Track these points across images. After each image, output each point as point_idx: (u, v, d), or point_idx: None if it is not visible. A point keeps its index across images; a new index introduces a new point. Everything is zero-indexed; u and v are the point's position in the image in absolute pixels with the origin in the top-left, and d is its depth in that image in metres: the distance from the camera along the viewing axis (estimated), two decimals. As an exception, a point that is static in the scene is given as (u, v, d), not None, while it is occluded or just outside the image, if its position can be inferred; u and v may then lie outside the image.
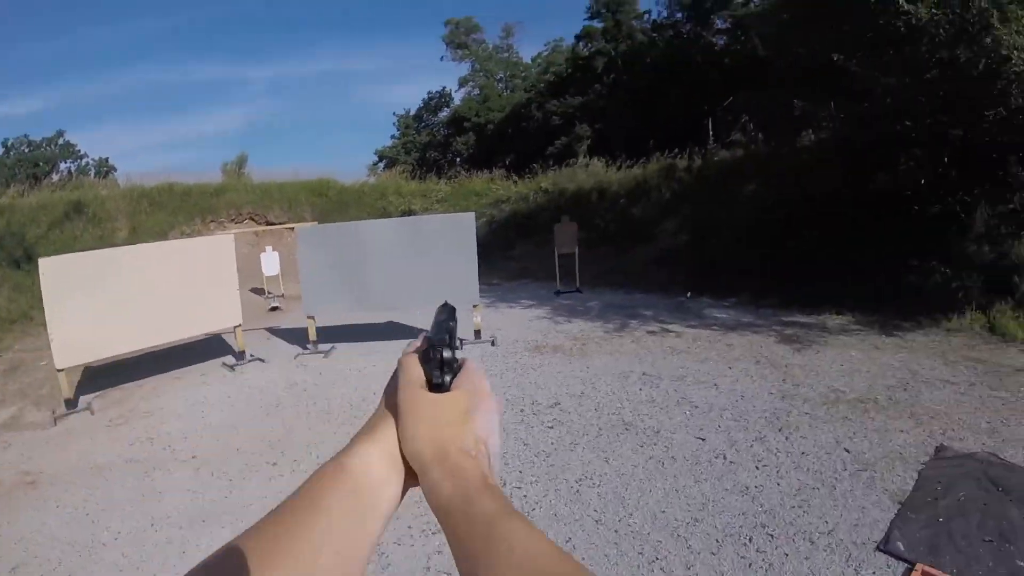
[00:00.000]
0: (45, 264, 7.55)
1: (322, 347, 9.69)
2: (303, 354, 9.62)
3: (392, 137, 40.08)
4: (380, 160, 38.32)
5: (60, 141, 41.94)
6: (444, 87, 39.13)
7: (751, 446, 5.82)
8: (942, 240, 9.54)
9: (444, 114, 36.95)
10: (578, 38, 29.26)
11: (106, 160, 41.54)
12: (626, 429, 6.38)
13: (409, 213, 21.08)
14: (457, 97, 36.43)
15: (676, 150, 17.44)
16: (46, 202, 17.40)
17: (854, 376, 7.16)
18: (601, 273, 14.88)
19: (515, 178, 21.69)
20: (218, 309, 8.84)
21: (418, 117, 38.68)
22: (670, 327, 10.09)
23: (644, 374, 7.95)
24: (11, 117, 70.19)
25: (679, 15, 24.89)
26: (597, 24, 27.62)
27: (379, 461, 0.60)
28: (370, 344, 9.91)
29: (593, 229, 17.01)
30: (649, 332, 9.90)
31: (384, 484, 0.59)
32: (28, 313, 11.64)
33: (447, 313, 0.72)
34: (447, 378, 0.65)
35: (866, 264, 10.26)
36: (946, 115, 9.46)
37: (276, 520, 0.54)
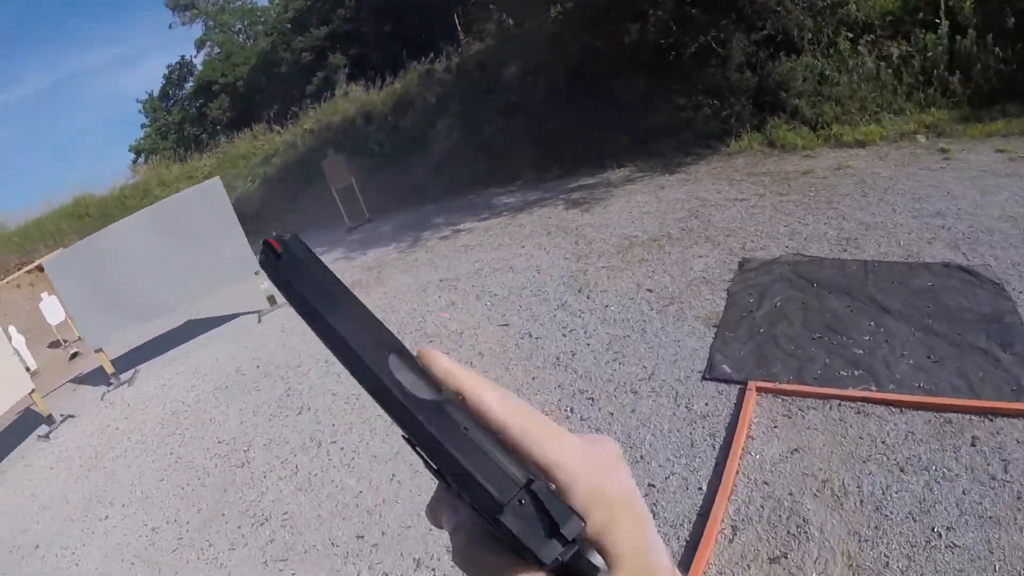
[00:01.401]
0: None
1: (124, 376, 8.30)
2: (108, 392, 8.10)
3: (143, 127, 35.04)
4: (138, 155, 33.86)
5: None
6: (183, 56, 34.90)
7: (555, 316, 5.16)
8: (705, 76, 9.08)
9: (192, 85, 32.83)
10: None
11: None
12: (430, 341, 5.71)
13: None
14: (199, 63, 32.25)
15: (432, 55, 16.13)
16: None
17: (644, 219, 6.57)
18: (389, 196, 13.73)
19: (278, 129, 19.67)
20: (3, 382, 7.40)
21: (164, 96, 34.21)
22: (461, 226, 9.22)
23: (441, 280, 7.20)
24: None
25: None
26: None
27: None
28: (171, 353, 8.60)
29: (369, 155, 15.70)
30: (442, 238, 9.02)
31: None
32: None
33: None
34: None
35: (637, 114, 9.72)
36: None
37: None
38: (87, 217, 18.24)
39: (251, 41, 29.09)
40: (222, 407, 6.14)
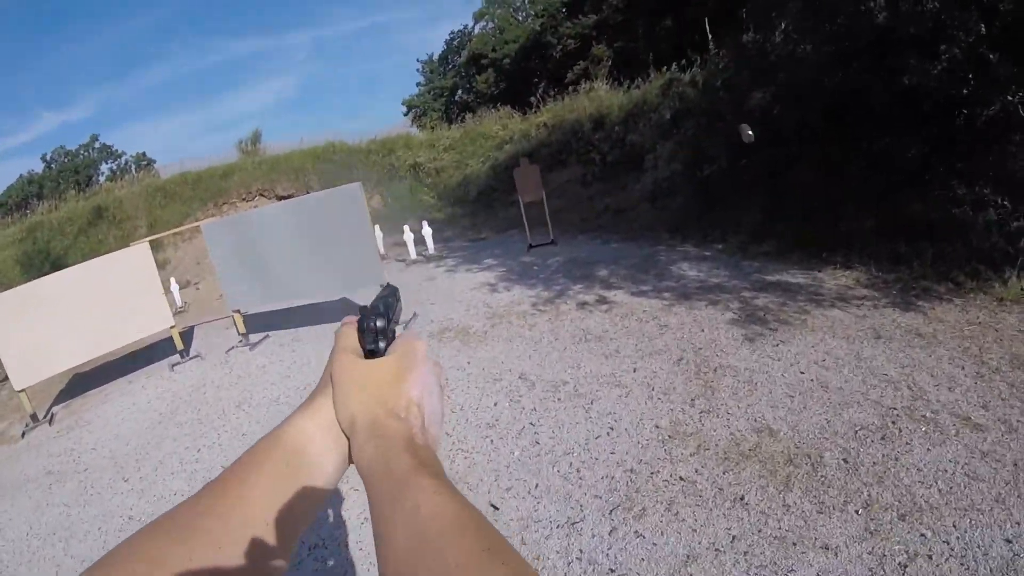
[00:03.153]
0: (-19, 303, 7.92)
1: (253, 338, 9.00)
2: (233, 348, 8.88)
3: (418, 85, 36.65)
4: (409, 110, 35.22)
5: (96, 145, 42.19)
6: (465, 25, 34.84)
7: (549, 541, 3.02)
8: (1002, 157, 5.86)
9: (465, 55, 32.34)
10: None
11: (143, 155, 41.70)
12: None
13: (415, 167, 18.75)
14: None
15: (683, 61, 13.65)
16: (72, 213, 17.91)
17: (809, 399, 3.89)
18: (584, 218, 11.98)
19: (520, 115, 18.56)
20: (149, 314, 8.59)
21: (443, 60, 34.88)
22: (611, 295, 7.10)
23: (521, 376, 5.33)
24: (45, 135, 74.77)
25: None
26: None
27: (316, 432, 0.57)
28: (300, 332, 8.88)
29: (587, 164, 13.91)
30: (580, 304, 6.99)
31: (321, 454, 0.56)
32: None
33: (389, 290, 0.72)
34: (381, 345, 0.62)
35: (898, 191, 6.78)
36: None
37: (208, 492, 0.51)
38: (331, 162, 18.78)
39: (529, 20, 28.16)
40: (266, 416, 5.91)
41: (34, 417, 8.01)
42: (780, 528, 2.80)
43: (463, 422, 4.70)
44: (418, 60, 36.73)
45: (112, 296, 8.32)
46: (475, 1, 30.36)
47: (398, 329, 0.67)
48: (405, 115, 35.22)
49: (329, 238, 7.96)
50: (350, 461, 0.57)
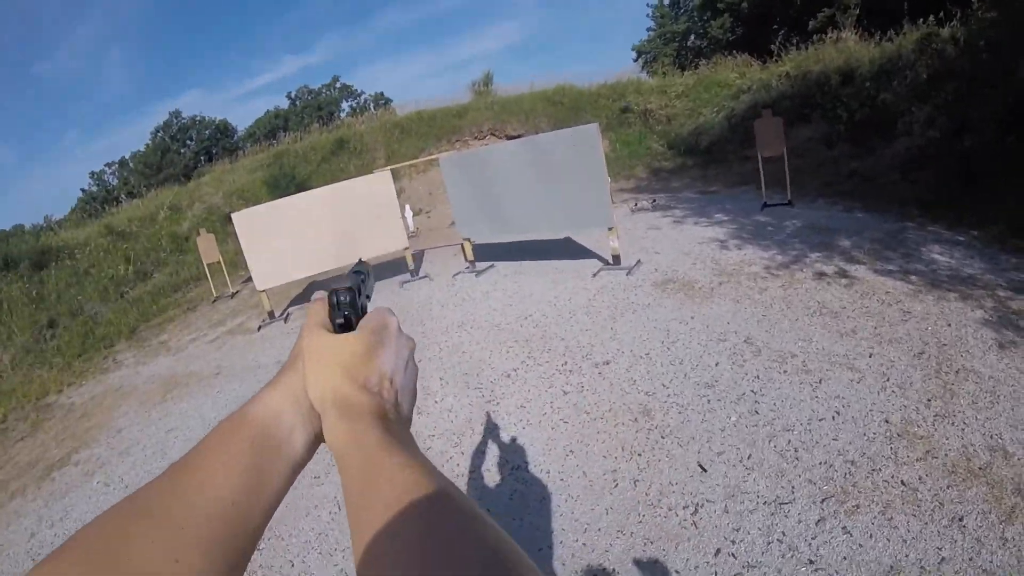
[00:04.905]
0: (237, 217, 9.14)
1: (479, 266, 9.57)
2: (460, 273, 9.57)
3: (648, 30, 35.65)
4: (639, 56, 34.54)
5: (337, 85, 46.28)
6: None
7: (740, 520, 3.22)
8: None
9: (700, -1, 30.92)
10: None
11: (381, 94, 45.21)
12: (618, 428, 4.40)
13: (645, 112, 18.79)
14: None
15: (941, 13, 12.29)
16: (315, 143, 19.90)
17: None
18: (835, 179, 11.41)
19: (759, 64, 17.81)
20: (385, 235, 9.32)
21: (674, 4, 33.45)
22: (853, 269, 6.90)
23: (745, 341, 5.45)
24: (289, 76, 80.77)
25: None
26: None
27: (284, 409, 0.56)
28: (521, 265, 9.41)
29: (833, 121, 13.20)
30: (817, 275, 6.86)
31: (290, 432, 0.55)
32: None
33: (361, 266, 0.74)
34: (352, 320, 0.62)
35: None
36: None
37: (171, 472, 0.50)
38: (560, 105, 19.28)
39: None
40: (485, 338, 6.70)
41: (271, 314, 9.36)
42: (991, 562, 2.73)
43: (681, 376, 4.93)
44: (648, 4, 36.04)
45: (353, 216, 9.13)
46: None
47: (369, 305, 0.68)
48: (635, 60, 34.95)
49: (561, 177, 8.05)
50: (322, 440, 0.57)
